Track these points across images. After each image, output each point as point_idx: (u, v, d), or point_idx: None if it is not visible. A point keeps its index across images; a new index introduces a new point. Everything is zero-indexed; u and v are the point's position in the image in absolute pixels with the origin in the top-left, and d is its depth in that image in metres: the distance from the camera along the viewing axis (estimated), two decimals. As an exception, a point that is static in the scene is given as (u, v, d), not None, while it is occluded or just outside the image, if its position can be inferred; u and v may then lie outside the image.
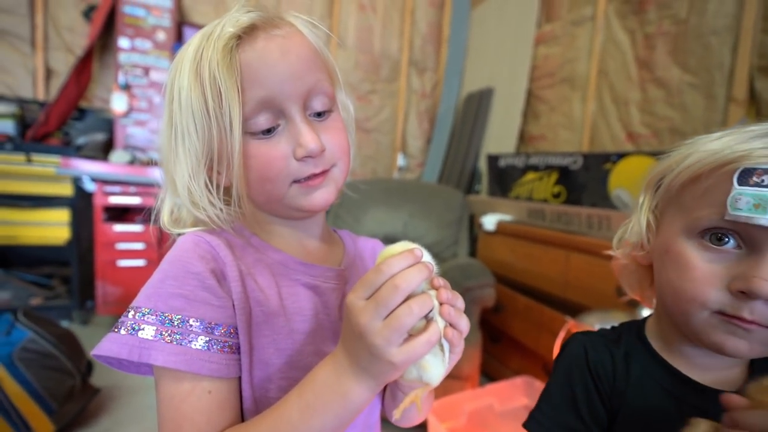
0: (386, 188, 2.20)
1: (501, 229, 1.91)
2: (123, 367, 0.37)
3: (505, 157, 2.08)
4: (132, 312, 0.36)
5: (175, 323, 0.35)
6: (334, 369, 0.32)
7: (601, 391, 0.40)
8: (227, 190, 0.40)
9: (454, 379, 1.52)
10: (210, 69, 0.35)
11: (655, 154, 1.34)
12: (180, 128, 0.38)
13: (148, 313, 0.35)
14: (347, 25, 2.92)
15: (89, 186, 2.00)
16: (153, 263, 2.11)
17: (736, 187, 0.32)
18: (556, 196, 1.77)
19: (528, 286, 1.75)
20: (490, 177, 2.20)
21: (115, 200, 2.01)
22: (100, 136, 2.23)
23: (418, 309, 0.28)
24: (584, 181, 1.56)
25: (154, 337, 0.34)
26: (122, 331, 0.35)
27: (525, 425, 0.42)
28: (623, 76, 1.94)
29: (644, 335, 0.43)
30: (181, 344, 0.34)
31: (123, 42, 2.16)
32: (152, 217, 0.45)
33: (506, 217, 1.94)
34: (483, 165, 2.47)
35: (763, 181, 0.32)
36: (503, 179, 2.08)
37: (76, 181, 2.01)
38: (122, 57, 2.17)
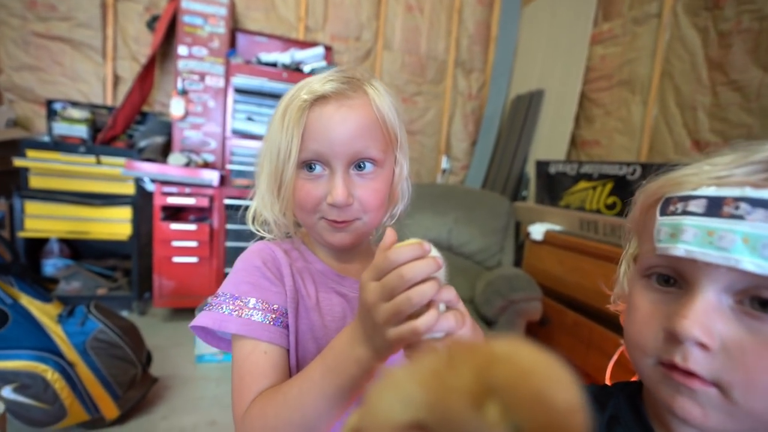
0: (432, 193, 2.18)
1: (549, 239, 1.84)
2: (208, 341, 0.50)
3: (555, 163, 1.99)
4: (217, 296, 0.48)
5: (244, 302, 0.46)
6: (350, 337, 0.37)
7: None
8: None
9: (496, 394, 1.48)
10: (288, 119, 0.46)
11: (731, 169, 1.23)
12: (266, 152, 0.50)
13: (227, 296, 0.47)
14: (394, 26, 2.91)
15: (149, 186, 2.14)
16: (204, 260, 2.23)
17: (658, 218, 0.30)
18: (611, 207, 1.67)
19: (577, 300, 1.67)
20: (539, 184, 2.11)
21: (172, 200, 2.13)
22: (159, 139, 2.37)
23: (416, 299, 0.30)
24: (645, 193, 1.46)
25: (230, 313, 0.45)
26: (209, 309, 0.46)
27: None
28: (691, 78, 1.79)
29: (638, 399, 0.37)
30: (247, 317, 0.45)
31: (182, 50, 2.28)
32: (240, 212, 0.56)
33: (555, 227, 1.86)
34: (531, 170, 2.38)
35: (677, 209, 0.29)
36: (553, 187, 1.99)
37: (138, 182, 2.16)
38: (181, 64, 2.29)
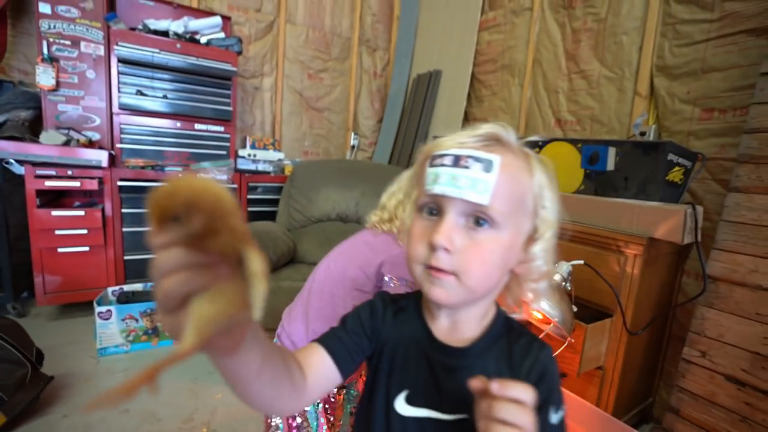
0: (338, 169, 2.27)
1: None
2: None
3: (450, 139, 2.22)
4: None
5: None
6: None
7: (371, 324, 0.52)
8: None
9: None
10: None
11: (572, 141, 1.54)
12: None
13: None
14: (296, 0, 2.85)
15: (18, 169, 1.87)
16: (98, 248, 2.04)
17: (426, 168, 0.44)
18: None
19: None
20: (437, 158, 2.33)
21: (51, 184, 1.89)
22: (23, 114, 2.04)
23: None
24: (517, 164, 1.74)
25: None
26: None
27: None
28: (554, 66, 2.13)
29: (419, 300, 0.52)
30: None
31: (43, 7, 1.96)
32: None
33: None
34: (431, 146, 2.60)
35: (437, 162, 0.43)
36: (449, 160, 2.23)
37: (1, 163, 1.86)
38: (44, 25, 1.97)
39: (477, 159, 0.41)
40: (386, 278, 0.91)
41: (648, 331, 1.50)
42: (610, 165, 1.47)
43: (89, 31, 2.05)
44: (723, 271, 1.34)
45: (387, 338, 0.51)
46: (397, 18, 3.17)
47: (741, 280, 1.30)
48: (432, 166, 0.43)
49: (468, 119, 2.65)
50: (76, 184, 1.94)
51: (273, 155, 2.71)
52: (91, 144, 2.06)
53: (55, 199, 2.03)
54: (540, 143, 1.67)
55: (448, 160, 0.42)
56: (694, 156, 1.48)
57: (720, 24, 1.55)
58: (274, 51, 2.85)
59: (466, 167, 0.41)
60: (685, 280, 1.59)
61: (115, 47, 2.05)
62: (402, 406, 0.48)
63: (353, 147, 3.20)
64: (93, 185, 1.97)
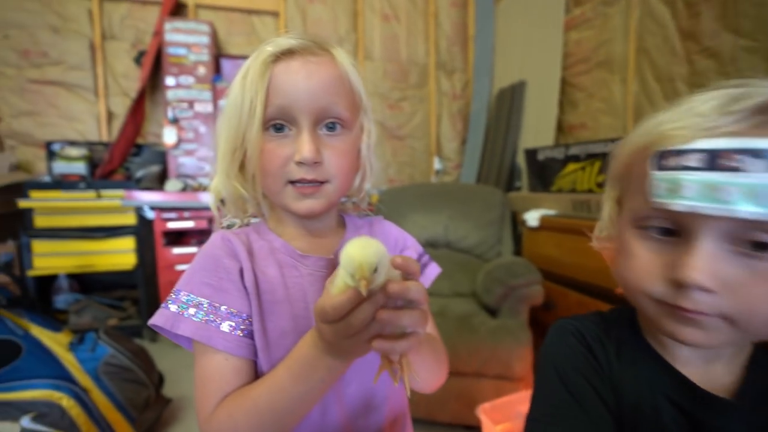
0: (424, 192, 2.20)
1: (545, 224, 1.85)
2: (171, 336, 0.45)
3: (543, 150, 2.01)
4: (173, 294, 0.45)
5: (204, 306, 0.43)
6: (315, 347, 0.37)
7: (603, 380, 0.37)
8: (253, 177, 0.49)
9: (507, 381, 1.48)
10: (250, 76, 0.44)
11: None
12: (225, 119, 0.47)
13: (184, 295, 0.44)
14: (372, 37, 2.98)
15: (149, 214, 2.19)
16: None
17: (653, 172, 0.31)
18: (601, 185, 1.68)
19: (578, 281, 1.67)
20: (530, 172, 2.13)
21: (172, 225, 2.18)
22: (155, 168, 2.43)
23: (369, 335, 0.33)
24: (630, 166, 1.48)
25: (184, 313, 0.43)
26: (169, 307, 0.44)
27: None
28: (666, 51, 1.81)
29: (637, 324, 0.39)
30: (205, 323, 0.43)
31: (169, 80, 2.36)
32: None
33: (550, 212, 1.87)
34: (521, 160, 2.40)
35: (673, 164, 0.30)
36: (543, 173, 2.01)
37: (138, 211, 2.21)
38: (169, 94, 2.36)
39: (755, 153, 0.26)
40: None
41: None
42: None
43: (201, 93, 2.39)
44: None
45: (622, 392, 0.37)
46: (472, 37, 3.10)
47: None
48: (662, 168, 0.31)
49: (562, 128, 2.39)
50: (191, 224, 2.20)
51: (358, 186, 2.78)
52: (202, 188, 2.35)
53: (177, 239, 2.33)
54: None
55: (695, 160, 0.29)
56: None
57: None
58: (356, 88, 2.99)
59: (737, 169, 0.27)
60: None
61: (220, 102, 2.34)
62: None
63: (438, 171, 3.13)
64: (204, 224, 2.21)
